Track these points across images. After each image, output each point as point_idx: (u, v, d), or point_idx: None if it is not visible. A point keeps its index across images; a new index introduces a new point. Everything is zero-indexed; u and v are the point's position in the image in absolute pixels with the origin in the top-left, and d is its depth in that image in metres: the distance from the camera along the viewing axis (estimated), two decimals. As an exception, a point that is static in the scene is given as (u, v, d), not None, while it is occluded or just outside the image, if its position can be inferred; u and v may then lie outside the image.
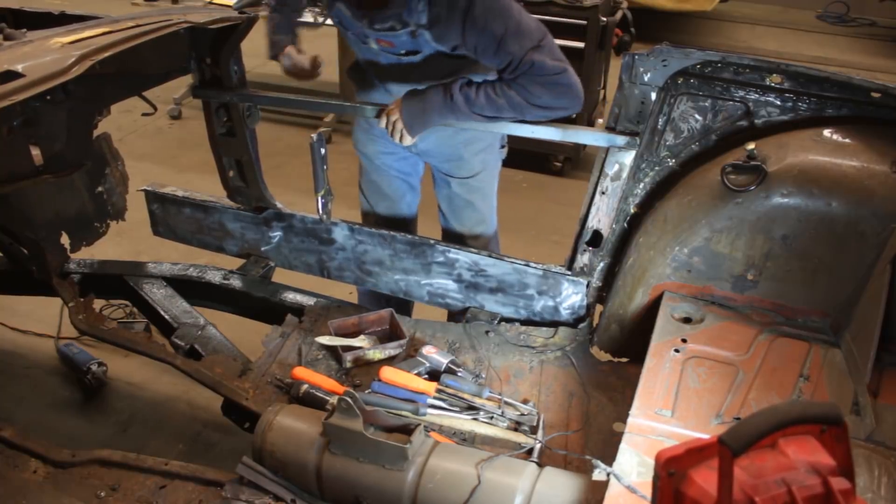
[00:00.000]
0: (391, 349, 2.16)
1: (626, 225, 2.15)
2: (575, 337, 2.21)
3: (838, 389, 1.70)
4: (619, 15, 4.35)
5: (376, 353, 2.15)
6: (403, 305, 2.65)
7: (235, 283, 2.54)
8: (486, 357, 2.16)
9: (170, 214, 2.66)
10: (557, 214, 4.11)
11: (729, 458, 0.91)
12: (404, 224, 2.63)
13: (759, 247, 1.90)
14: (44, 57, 1.91)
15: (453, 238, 2.52)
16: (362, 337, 2.23)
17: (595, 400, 2.00)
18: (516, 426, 1.90)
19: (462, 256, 2.32)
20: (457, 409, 1.94)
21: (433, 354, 2.08)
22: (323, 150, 2.20)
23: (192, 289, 2.56)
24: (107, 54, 1.94)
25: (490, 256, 2.29)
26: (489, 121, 2.04)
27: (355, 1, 1.98)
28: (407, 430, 1.70)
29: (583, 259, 2.21)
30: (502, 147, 2.47)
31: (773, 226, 1.86)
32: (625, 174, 2.06)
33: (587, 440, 1.88)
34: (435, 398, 1.95)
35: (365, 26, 2.05)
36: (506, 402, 1.95)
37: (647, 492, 1.27)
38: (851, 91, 1.83)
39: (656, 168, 2.08)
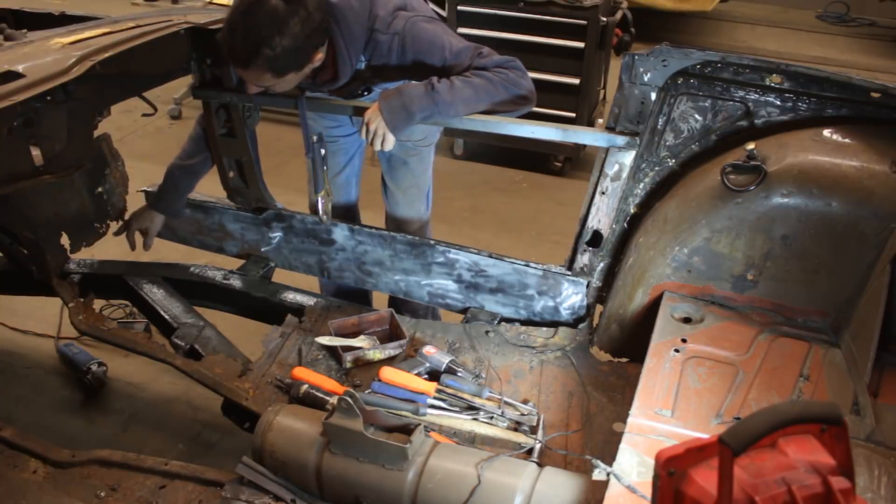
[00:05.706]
0: (391, 349, 2.16)
1: (626, 225, 2.15)
2: (575, 337, 2.21)
3: (838, 389, 1.70)
4: (619, 15, 4.35)
5: (376, 353, 2.15)
6: (363, 296, 2.74)
7: (235, 283, 2.54)
8: (486, 357, 2.16)
9: (170, 215, 2.66)
10: (557, 214, 4.11)
11: (729, 458, 0.91)
12: (346, 208, 2.73)
13: (759, 247, 1.90)
14: (44, 57, 1.92)
15: (391, 197, 2.65)
16: (362, 337, 2.23)
17: (595, 400, 2.00)
18: (516, 426, 1.90)
19: (462, 257, 2.32)
20: (457, 409, 1.95)
21: (433, 354, 2.08)
22: (323, 151, 2.20)
23: (192, 289, 2.56)
24: (107, 55, 1.95)
25: (490, 256, 2.29)
26: (467, 111, 2.06)
27: (309, 80, 2.12)
28: (407, 430, 1.69)
29: (583, 259, 2.21)
30: None
31: (773, 226, 1.86)
32: (625, 174, 2.06)
33: (587, 440, 1.88)
34: (435, 398, 1.95)
35: (317, 88, 2.25)
36: (506, 402, 1.95)
37: (647, 492, 1.28)
38: (851, 91, 1.83)
39: (656, 168, 2.08)
